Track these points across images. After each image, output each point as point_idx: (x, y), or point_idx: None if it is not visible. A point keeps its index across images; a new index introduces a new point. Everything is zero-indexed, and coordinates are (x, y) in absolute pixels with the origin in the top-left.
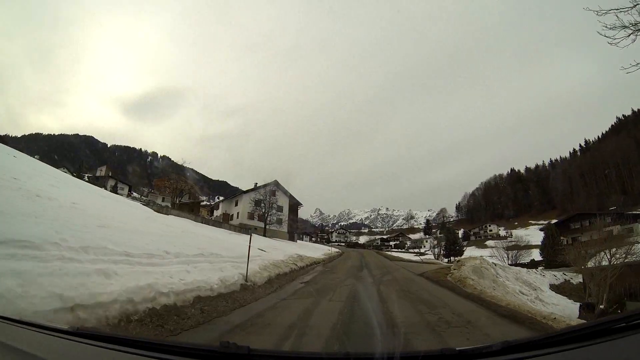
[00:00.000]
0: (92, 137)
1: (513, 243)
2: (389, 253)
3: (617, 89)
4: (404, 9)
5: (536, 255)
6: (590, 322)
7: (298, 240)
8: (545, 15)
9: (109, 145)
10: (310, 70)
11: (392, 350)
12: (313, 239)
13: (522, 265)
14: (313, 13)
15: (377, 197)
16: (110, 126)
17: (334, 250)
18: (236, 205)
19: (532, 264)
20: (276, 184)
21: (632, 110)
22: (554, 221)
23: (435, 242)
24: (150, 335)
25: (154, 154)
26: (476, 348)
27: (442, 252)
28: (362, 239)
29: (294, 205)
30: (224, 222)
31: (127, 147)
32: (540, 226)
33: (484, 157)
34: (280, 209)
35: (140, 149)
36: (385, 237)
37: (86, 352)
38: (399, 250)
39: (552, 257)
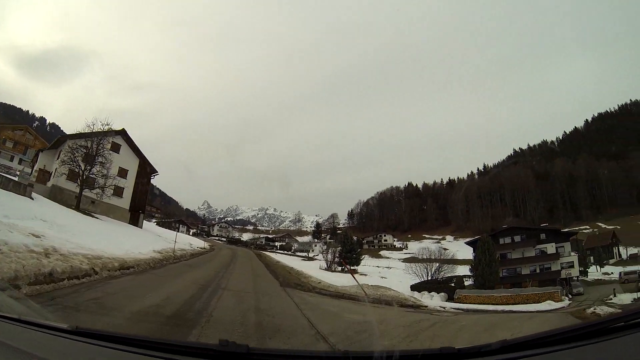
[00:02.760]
0: None
1: (410, 255)
2: (277, 257)
3: (512, 124)
4: (336, 17)
5: (462, 270)
6: (589, 321)
7: (152, 224)
8: (449, 55)
9: None
10: (232, 61)
11: (392, 348)
12: (192, 230)
13: (446, 282)
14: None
15: (266, 197)
16: None
17: (196, 246)
18: (58, 158)
19: (459, 282)
20: (123, 135)
21: (528, 145)
22: (444, 236)
23: (325, 246)
24: (149, 335)
25: (42, 119)
26: (475, 347)
27: (335, 259)
28: (246, 236)
29: (147, 172)
30: (39, 182)
31: (11, 105)
32: (435, 240)
33: (380, 171)
34: (123, 173)
35: (28, 111)
36: (270, 236)
37: (85, 351)
38: (285, 252)
39: (489, 274)
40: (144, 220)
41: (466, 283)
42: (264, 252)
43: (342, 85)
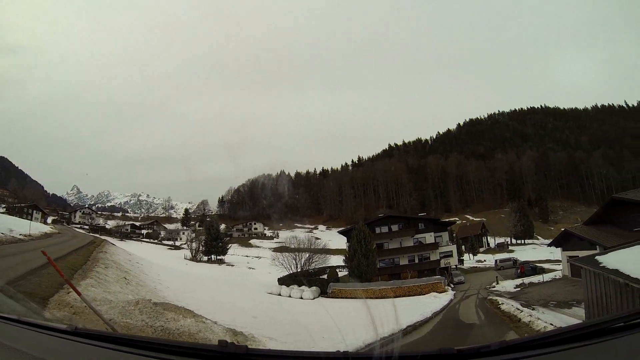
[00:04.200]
0: None
1: (281, 244)
2: (127, 247)
3: (388, 121)
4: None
5: (336, 261)
6: (588, 321)
7: None
8: (333, 53)
9: None
10: (110, 29)
11: (391, 350)
12: (54, 218)
13: (318, 274)
14: None
15: (139, 182)
16: None
17: (18, 233)
18: None
19: (333, 274)
20: None
21: (403, 141)
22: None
23: (194, 235)
24: (148, 335)
25: None
26: (474, 347)
27: (201, 248)
28: (112, 223)
29: None
30: None
31: None
32: (307, 229)
33: (253, 158)
34: None
35: None
36: (138, 223)
37: (84, 351)
38: (151, 240)
39: (365, 266)
40: None
41: (340, 274)
42: (121, 241)
43: (218, 69)
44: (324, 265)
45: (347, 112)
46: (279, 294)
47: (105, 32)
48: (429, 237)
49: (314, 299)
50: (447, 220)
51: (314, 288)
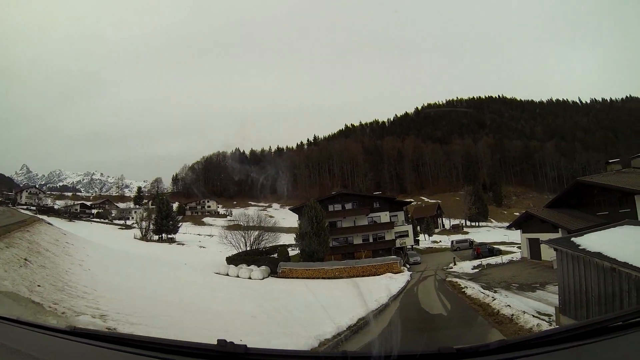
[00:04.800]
0: None
1: (234, 222)
2: (61, 226)
3: (346, 102)
4: None
5: (287, 239)
6: (586, 320)
7: None
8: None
9: None
10: None
11: (390, 349)
12: None
13: (268, 253)
14: None
15: (92, 160)
16: None
17: None
18: None
19: (283, 253)
20: None
21: (360, 122)
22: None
23: (146, 213)
24: (147, 335)
25: None
26: (473, 347)
27: (152, 226)
28: (61, 203)
29: None
30: None
31: None
32: (261, 207)
33: (208, 136)
34: None
35: None
36: (88, 203)
37: (84, 351)
38: (102, 220)
39: (317, 245)
40: None
41: (292, 253)
42: (70, 222)
43: (172, 46)
44: (274, 244)
45: (306, 92)
46: (227, 274)
47: (53, 3)
48: (384, 217)
49: (263, 279)
50: (403, 200)
51: (263, 267)
